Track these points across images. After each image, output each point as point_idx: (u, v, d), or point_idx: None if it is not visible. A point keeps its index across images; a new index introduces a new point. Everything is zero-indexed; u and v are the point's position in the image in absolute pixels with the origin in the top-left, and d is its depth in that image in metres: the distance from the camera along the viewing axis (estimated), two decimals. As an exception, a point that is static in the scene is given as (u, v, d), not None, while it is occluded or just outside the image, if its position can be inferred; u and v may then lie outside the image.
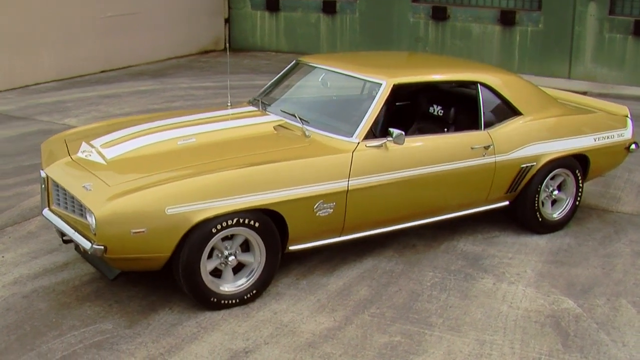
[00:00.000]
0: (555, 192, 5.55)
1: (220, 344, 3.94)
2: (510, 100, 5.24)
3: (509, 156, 5.14)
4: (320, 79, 5.17)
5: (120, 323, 4.13)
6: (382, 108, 4.73)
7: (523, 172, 5.24)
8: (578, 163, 5.57)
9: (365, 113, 4.68)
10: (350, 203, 4.50)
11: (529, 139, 5.22)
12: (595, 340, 4.08)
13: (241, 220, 4.14)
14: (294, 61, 5.55)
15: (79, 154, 4.50)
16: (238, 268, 4.36)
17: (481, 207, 5.27)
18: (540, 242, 5.42)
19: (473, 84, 5.17)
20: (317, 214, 4.40)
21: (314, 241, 4.56)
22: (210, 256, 4.20)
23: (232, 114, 5.09)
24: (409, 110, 5.65)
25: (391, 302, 4.44)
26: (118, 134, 4.72)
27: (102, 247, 3.90)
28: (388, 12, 13.04)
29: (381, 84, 4.79)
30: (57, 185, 4.35)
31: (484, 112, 5.12)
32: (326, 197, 4.39)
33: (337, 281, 4.70)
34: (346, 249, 5.07)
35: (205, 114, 5.15)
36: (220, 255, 4.24)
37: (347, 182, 4.45)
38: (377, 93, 4.75)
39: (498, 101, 5.24)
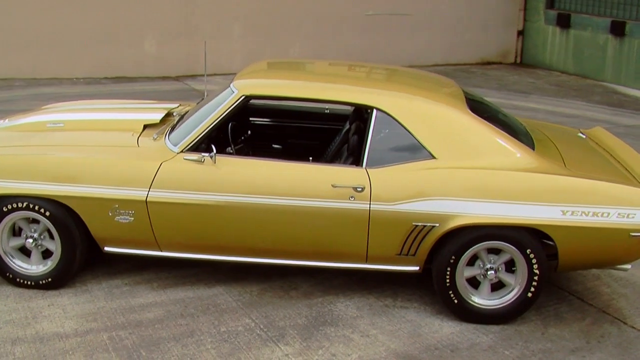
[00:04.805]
0: (491, 273, 4.11)
1: (-45, 316, 4.09)
2: (416, 137, 4.05)
3: (394, 207, 3.99)
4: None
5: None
6: (226, 119, 4.18)
7: (418, 232, 4.01)
8: (535, 241, 4.01)
9: (201, 122, 4.19)
10: (154, 216, 4.12)
11: (430, 190, 3.97)
12: None
13: (31, 206, 4.17)
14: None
15: (-5, 120, 5.03)
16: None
17: (365, 264, 4.19)
18: (446, 330, 4.09)
19: (368, 108, 4.13)
20: (116, 219, 4.14)
21: (130, 248, 4.31)
22: (19, 234, 4.35)
23: (141, 107, 5.04)
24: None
25: (153, 334, 3.93)
26: (39, 111, 5.12)
27: None
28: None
29: (234, 92, 4.22)
30: None
31: (370, 145, 4.07)
32: (122, 203, 4.10)
33: (153, 297, 4.34)
34: (215, 270, 4.63)
35: (129, 104, 5.21)
36: (26, 236, 4.34)
37: (146, 192, 4.08)
38: (223, 101, 4.20)
39: (408, 136, 4.08)
